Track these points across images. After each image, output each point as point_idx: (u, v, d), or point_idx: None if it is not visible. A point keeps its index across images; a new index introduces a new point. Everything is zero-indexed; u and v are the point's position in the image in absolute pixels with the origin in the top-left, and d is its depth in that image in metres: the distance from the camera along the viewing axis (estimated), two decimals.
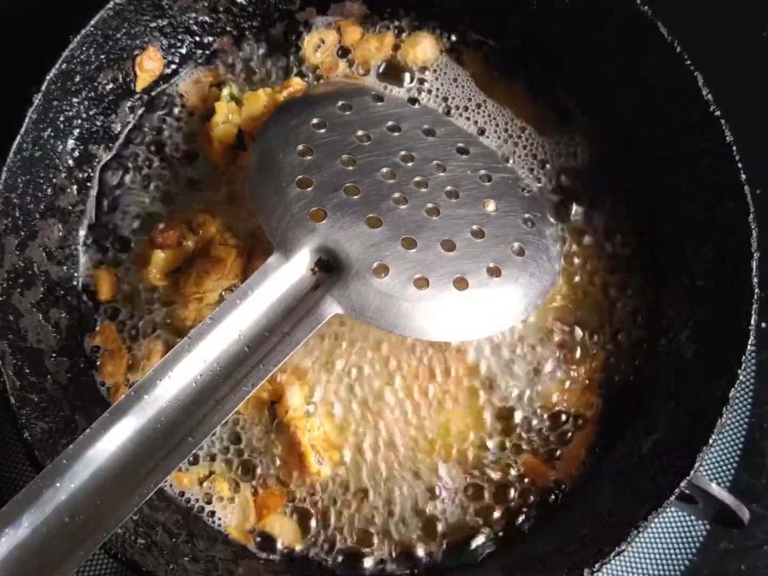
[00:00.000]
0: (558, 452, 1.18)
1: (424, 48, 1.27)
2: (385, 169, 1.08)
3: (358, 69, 1.27)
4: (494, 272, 1.05)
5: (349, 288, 0.98)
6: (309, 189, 1.03)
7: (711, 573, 1.29)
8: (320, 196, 1.03)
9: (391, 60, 1.28)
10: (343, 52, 1.28)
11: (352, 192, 1.04)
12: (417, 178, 1.08)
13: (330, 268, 1.01)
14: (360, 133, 1.10)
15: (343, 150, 1.08)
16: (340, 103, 1.13)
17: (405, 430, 1.16)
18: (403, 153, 1.10)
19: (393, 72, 1.28)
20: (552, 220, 1.22)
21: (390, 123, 1.13)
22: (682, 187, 1.17)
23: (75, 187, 1.20)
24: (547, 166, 1.25)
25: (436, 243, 1.03)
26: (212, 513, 1.15)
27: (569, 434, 1.18)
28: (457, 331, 1.05)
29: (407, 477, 1.16)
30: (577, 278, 1.22)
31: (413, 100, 1.25)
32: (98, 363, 1.19)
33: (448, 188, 1.09)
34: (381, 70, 1.28)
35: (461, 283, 1.02)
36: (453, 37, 1.29)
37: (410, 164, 1.10)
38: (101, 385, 1.18)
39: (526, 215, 1.13)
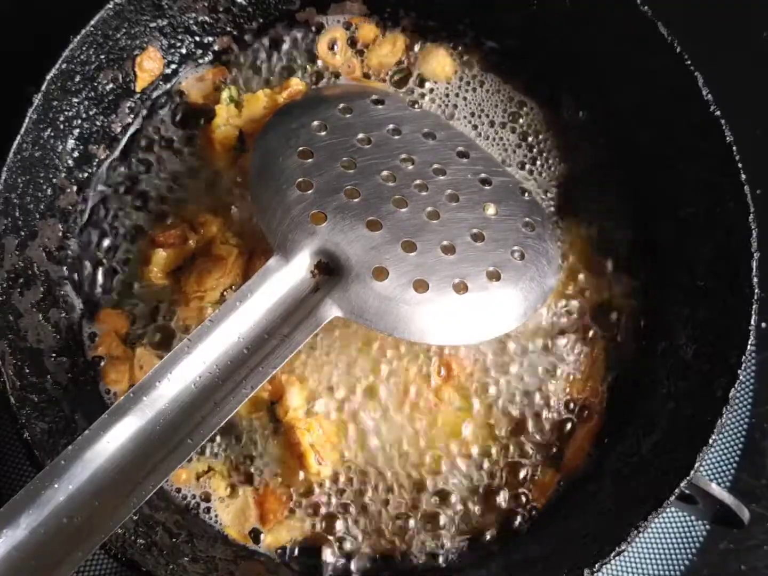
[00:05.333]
0: (562, 446, 1.18)
1: (437, 61, 1.28)
2: (385, 172, 1.07)
3: (371, 73, 1.28)
4: (494, 276, 1.05)
5: (348, 291, 0.98)
6: (309, 191, 1.03)
7: (711, 573, 1.29)
8: (320, 198, 1.03)
9: (402, 65, 1.28)
10: (358, 52, 1.29)
11: (352, 195, 1.04)
12: (417, 182, 1.08)
13: (330, 271, 1.01)
14: (361, 135, 1.10)
15: (344, 153, 1.08)
16: (340, 105, 1.13)
17: (406, 430, 1.16)
18: (403, 156, 1.10)
19: (402, 77, 1.28)
20: (552, 222, 1.22)
21: (391, 126, 1.13)
22: (682, 187, 1.17)
23: (75, 187, 1.20)
24: (547, 166, 1.25)
25: (435, 246, 1.03)
26: (212, 513, 1.15)
27: (574, 427, 1.19)
28: (456, 335, 1.05)
29: (408, 477, 1.16)
30: (576, 278, 1.22)
31: (414, 103, 1.25)
32: (100, 369, 1.19)
33: (449, 192, 1.09)
34: (393, 76, 1.28)
35: (461, 287, 1.02)
36: (453, 37, 1.29)
37: (411, 167, 1.10)
38: (106, 392, 1.19)
39: (526, 219, 1.12)
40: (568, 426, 1.19)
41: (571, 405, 1.19)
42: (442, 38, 1.29)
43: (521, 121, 1.27)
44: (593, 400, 1.20)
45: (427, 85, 1.27)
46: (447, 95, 1.27)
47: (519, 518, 1.16)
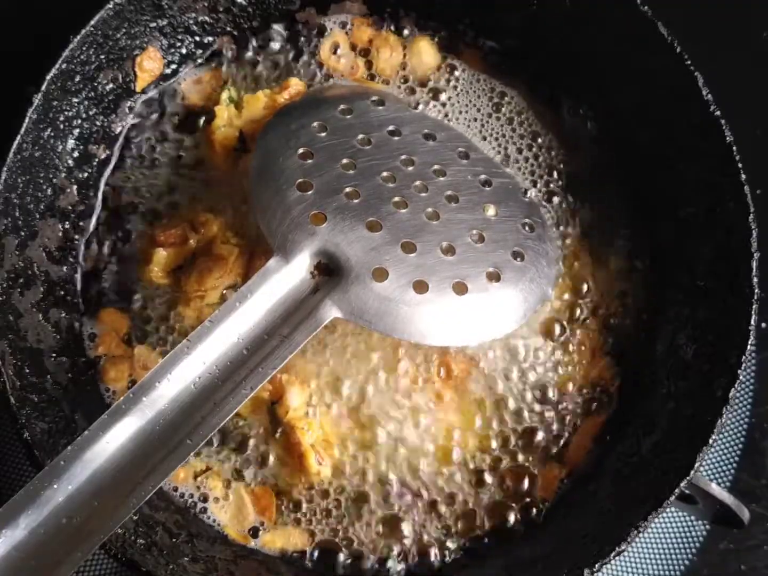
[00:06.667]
0: (566, 442, 1.19)
1: (423, 54, 1.28)
2: (385, 173, 1.08)
3: (372, 74, 1.28)
4: (494, 277, 1.05)
5: (348, 292, 0.98)
6: (309, 192, 1.03)
7: (711, 573, 1.29)
8: (320, 199, 1.03)
9: (401, 65, 1.28)
10: (362, 54, 1.29)
11: (352, 196, 1.04)
12: (417, 183, 1.08)
13: (330, 272, 1.01)
14: (361, 136, 1.10)
15: (344, 154, 1.08)
16: (340, 106, 1.13)
17: (408, 429, 1.16)
18: (403, 157, 1.10)
19: (402, 77, 1.28)
20: (551, 223, 1.22)
21: (391, 127, 1.13)
22: (682, 187, 1.17)
23: (75, 187, 1.20)
24: (547, 166, 1.25)
25: (435, 247, 1.03)
26: (210, 512, 1.15)
27: (577, 422, 1.19)
28: (456, 336, 1.05)
29: (408, 477, 1.16)
30: (576, 278, 1.22)
31: (415, 105, 1.26)
32: (101, 368, 1.19)
33: (448, 193, 1.09)
34: (394, 77, 1.28)
35: (461, 288, 1.02)
36: (453, 38, 1.29)
37: (411, 168, 1.10)
38: (105, 390, 1.19)
39: (526, 220, 1.13)
40: (571, 422, 1.19)
41: (574, 401, 1.19)
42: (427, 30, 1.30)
43: (520, 121, 1.27)
44: (604, 375, 1.20)
45: (421, 80, 1.28)
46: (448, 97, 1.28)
47: (521, 517, 1.17)
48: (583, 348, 1.20)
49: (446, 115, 1.26)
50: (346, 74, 1.27)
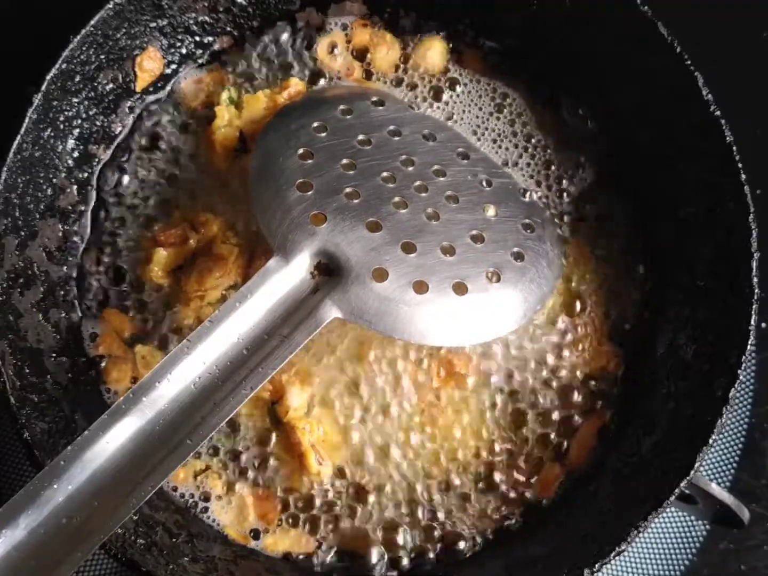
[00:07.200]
0: (567, 441, 1.18)
1: (433, 54, 1.28)
2: (385, 174, 1.08)
3: (371, 73, 1.28)
4: (494, 277, 1.05)
5: (348, 292, 0.99)
6: (309, 192, 1.03)
7: (711, 573, 1.29)
8: (320, 199, 1.03)
9: (401, 65, 1.28)
10: (359, 54, 1.29)
11: (352, 196, 1.04)
12: (417, 183, 1.08)
13: (330, 272, 1.01)
14: (361, 137, 1.10)
15: (344, 154, 1.08)
16: (341, 107, 1.13)
17: (408, 428, 1.16)
18: (403, 157, 1.10)
19: (402, 78, 1.28)
20: (552, 223, 1.22)
21: (391, 127, 1.13)
22: (682, 188, 1.17)
23: (75, 187, 1.20)
24: (546, 166, 1.25)
25: (435, 247, 1.03)
26: (211, 513, 1.15)
27: (579, 422, 1.19)
28: (456, 336, 1.05)
29: (408, 477, 1.16)
30: (576, 278, 1.22)
31: (414, 106, 1.26)
32: (102, 368, 1.19)
33: (448, 193, 1.10)
34: (392, 76, 1.28)
35: (461, 288, 1.02)
36: (453, 37, 1.29)
37: (411, 169, 1.10)
38: (106, 391, 1.19)
39: (526, 220, 1.13)
40: (571, 422, 1.19)
41: (574, 401, 1.19)
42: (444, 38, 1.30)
43: (520, 121, 1.27)
44: (610, 361, 1.20)
45: (424, 80, 1.28)
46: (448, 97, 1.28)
47: (521, 518, 1.16)
48: (583, 348, 1.20)
49: (448, 116, 1.26)
50: (343, 74, 1.27)
